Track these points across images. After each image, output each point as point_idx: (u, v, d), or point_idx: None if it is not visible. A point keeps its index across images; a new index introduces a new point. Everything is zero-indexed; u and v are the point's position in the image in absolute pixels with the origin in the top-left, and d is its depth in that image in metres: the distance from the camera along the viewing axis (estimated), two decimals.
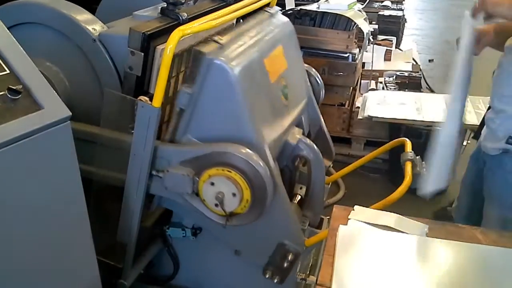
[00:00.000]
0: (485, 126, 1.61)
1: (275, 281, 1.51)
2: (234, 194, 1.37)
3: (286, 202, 1.52)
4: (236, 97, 1.38)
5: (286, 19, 1.91)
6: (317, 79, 2.07)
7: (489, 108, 1.57)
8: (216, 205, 1.39)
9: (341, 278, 0.96)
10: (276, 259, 1.52)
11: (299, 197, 1.75)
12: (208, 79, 1.37)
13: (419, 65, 4.46)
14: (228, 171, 1.36)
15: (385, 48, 4.22)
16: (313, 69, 2.09)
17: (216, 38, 1.43)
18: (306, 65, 2.07)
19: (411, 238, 1.10)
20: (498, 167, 1.51)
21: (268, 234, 1.53)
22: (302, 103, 1.87)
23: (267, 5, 1.86)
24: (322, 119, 2.04)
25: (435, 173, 1.40)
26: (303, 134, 1.80)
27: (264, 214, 1.44)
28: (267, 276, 1.52)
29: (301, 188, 1.77)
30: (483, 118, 1.62)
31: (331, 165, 2.04)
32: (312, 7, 3.31)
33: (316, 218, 1.80)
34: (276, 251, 1.52)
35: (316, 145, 1.72)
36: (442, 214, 2.89)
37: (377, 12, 4.67)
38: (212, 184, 1.37)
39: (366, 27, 3.30)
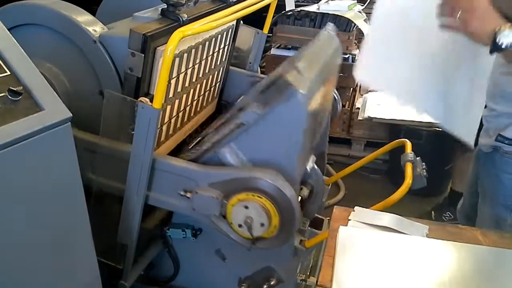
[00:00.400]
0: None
1: None
2: (262, 224, 1.37)
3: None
4: (300, 131, 1.36)
5: (339, 43, 1.82)
6: (335, 95, 2.01)
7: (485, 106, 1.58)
8: (240, 225, 1.39)
9: (341, 279, 0.96)
10: (258, 277, 1.54)
11: (300, 198, 1.75)
12: (283, 106, 1.32)
13: None
14: (259, 196, 1.36)
15: None
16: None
17: (299, 66, 1.37)
18: None
19: (411, 239, 1.10)
20: (490, 164, 1.52)
21: (262, 256, 1.54)
22: (324, 128, 1.86)
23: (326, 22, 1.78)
24: (327, 142, 2.03)
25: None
26: None
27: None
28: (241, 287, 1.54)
29: (301, 188, 1.77)
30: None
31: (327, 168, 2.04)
32: (312, 8, 3.32)
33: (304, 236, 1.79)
34: (262, 270, 1.54)
35: None
36: (440, 214, 2.89)
37: None
38: (246, 207, 1.37)
39: (366, 28, 3.30)
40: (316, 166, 1.71)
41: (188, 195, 1.43)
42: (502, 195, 1.49)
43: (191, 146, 1.66)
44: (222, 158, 1.43)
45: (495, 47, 1.11)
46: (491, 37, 1.10)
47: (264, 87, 1.35)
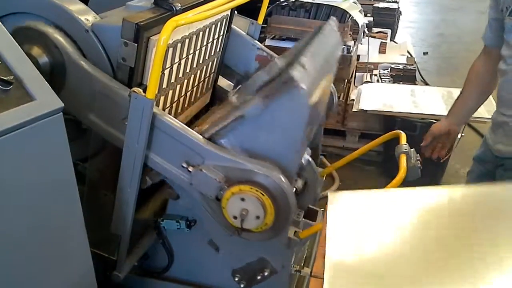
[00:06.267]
0: (491, 129, 1.64)
1: (241, 286, 1.55)
2: (258, 217, 1.37)
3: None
4: (302, 126, 1.36)
5: (339, 37, 1.83)
6: (332, 89, 2.01)
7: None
8: (235, 217, 1.39)
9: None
10: (252, 268, 1.54)
11: (294, 189, 1.75)
12: (286, 100, 1.32)
13: (414, 58, 4.46)
14: (262, 193, 1.35)
15: (380, 40, 4.23)
16: None
17: (303, 61, 1.35)
18: None
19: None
20: None
21: (256, 247, 1.54)
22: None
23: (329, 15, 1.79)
24: (322, 137, 2.03)
25: None
26: None
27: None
28: (235, 279, 1.55)
29: (296, 180, 1.77)
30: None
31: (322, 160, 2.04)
32: None
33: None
34: (256, 262, 1.55)
35: None
36: None
37: (372, 4, 4.67)
38: (243, 200, 1.37)
39: (361, 19, 3.30)
40: (311, 159, 1.70)
41: (190, 168, 1.42)
42: None
43: None
44: None
45: None
46: None
47: (267, 80, 1.34)
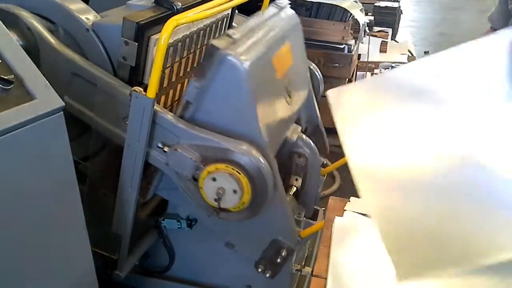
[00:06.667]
0: None
1: (267, 275, 1.52)
2: (235, 191, 1.36)
3: (284, 200, 1.52)
4: (245, 95, 1.36)
5: (293, 12, 1.88)
6: (317, 73, 2.05)
7: None
8: (216, 200, 1.38)
9: (337, 269, 0.96)
10: (269, 254, 1.53)
11: (295, 188, 1.75)
12: (219, 74, 1.34)
13: (415, 57, 4.46)
14: (238, 172, 1.35)
15: (381, 39, 4.22)
16: (313, 64, 2.07)
17: (230, 32, 1.40)
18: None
19: None
20: None
21: (263, 230, 1.53)
22: (303, 100, 1.86)
23: None
24: (320, 116, 2.03)
25: None
26: (301, 130, 1.80)
27: (262, 211, 1.44)
28: (259, 270, 1.53)
29: (296, 179, 1.77)
30: None
31: (326, 162, 2.04)
32: None
33: (309, 212, 1.80)
34: (270, 246, 1.53)
35: (312, 141, 1.73)
36: None
37: (373, 3, 4.65)
38: (214, 180, 1.36)
39: (362, 18, 3.29)
40: (305, 136, 1.70)
41: (166, 149, 1.41)
42: None
43: None
44: None
45: None
46: None
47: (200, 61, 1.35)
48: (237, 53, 1.35)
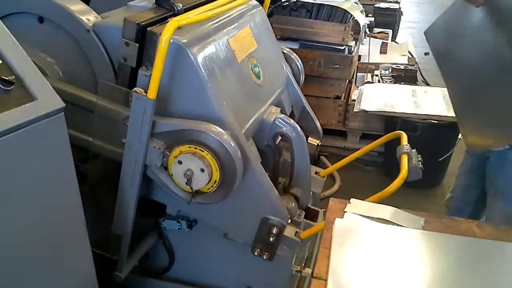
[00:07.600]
0: None
1: (265, 257, 1.54)
2: (202, 170, 1.37)
3: (263, 176, 1.51)
4: (193, 71, 1.37)
5: (255, 2, 1.90)
6: (297, 63, 2.09)
7: None
8: (186, 182, 1.39)
9: (337, 271, 0.96)
10: (262, 235, 1.54)
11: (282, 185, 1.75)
12: (166, 59, 1.33)
13: (415, 58, 4.45)
14: (201, 150, 1.36)
15: (381, 41, 4.21)
16: (294, 54, 2.10)
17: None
18: (287, 49, 2.11)
19: (407, 231, 1.09)
20: (504, 162, 1.57)
21: (249, 210, 1.54)
22: (280, 84, 1.88)
23: None
24: (305, 100, 2.03)
25: None
26: (285, 114, 1.79)
27: (242, 189, 1.46)
28: (256, 254, 1.54)
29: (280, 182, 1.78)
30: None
31: (320, 143, 2.02)
32: None
33: (305, 197, 1.78)
34: (261, 227, 1.54)
35: (302, 125, 1.72)
36: (437, 208, 2.90)
37: (374, 5, 4.66)
38: (180, 162, 1.38)
39: (363, 20, 3.29)
40: (285, 116, 1.70)
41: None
42: None
43: None
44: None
45: None
46: None
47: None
48: (180, 35, 1.35)
